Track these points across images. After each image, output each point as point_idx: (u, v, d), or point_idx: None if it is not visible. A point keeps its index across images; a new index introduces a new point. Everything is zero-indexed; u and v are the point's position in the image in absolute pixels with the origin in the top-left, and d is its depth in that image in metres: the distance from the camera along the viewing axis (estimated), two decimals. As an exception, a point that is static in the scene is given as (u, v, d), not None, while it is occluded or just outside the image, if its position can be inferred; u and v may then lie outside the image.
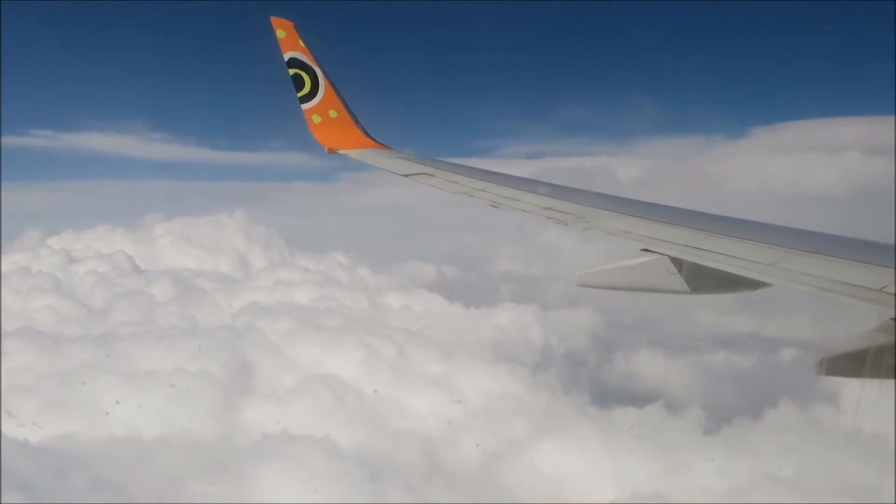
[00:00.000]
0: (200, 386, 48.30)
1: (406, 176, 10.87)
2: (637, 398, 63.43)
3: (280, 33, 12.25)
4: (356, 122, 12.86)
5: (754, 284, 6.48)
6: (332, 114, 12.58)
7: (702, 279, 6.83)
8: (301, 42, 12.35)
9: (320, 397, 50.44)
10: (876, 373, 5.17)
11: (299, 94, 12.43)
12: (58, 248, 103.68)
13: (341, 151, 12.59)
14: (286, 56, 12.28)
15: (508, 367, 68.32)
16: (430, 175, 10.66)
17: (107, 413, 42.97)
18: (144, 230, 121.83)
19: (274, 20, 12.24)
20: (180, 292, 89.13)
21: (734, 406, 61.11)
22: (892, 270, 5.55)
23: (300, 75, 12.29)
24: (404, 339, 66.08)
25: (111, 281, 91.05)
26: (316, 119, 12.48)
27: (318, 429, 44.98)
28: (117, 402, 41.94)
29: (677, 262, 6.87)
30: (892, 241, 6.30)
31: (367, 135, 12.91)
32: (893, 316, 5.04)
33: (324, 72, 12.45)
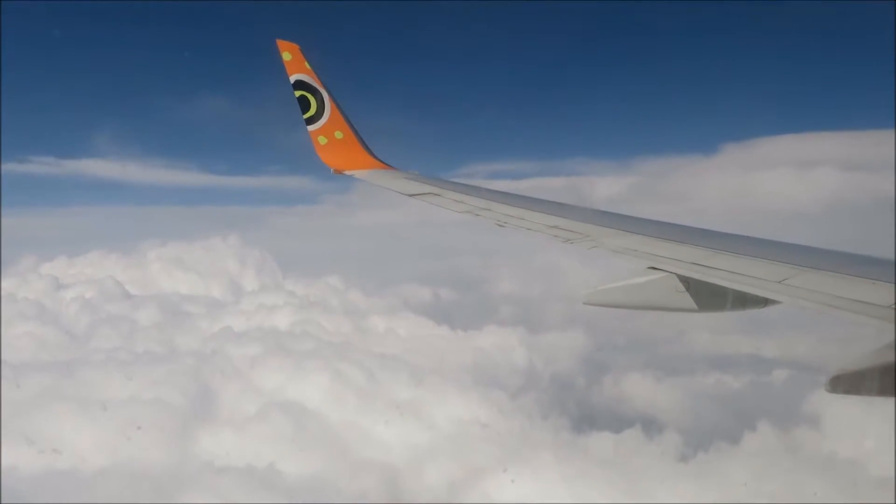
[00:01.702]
0: (155, 414, 47.34)
1: (412, 196, 10.87)
2: (619, 422, 61.73)
3: (286, 56, 12.37)
4: (362, 142, 12.98)
5: (763, 302, 6.48)
6: (338, 135, 12.70)
7: (710, 297, 6.81)
8: (307, 64, 12.47)
9: (279, 425, 49.31)
10: (888, 391, 4.99)
11: (305, 116, 12.52)
12: (46, 275, 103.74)
13: (347, 172, 12.66)
14: (292, 78, 12.40)
15: (487, 391, 66.85)
16: (435, 195, 10.67)
17: (52, 446, 42.13)
18: (138, 255, 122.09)
19: (280, 43, 12.36)
20: (166, 317, 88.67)
21: (716, 430, 59.31)
22: None
23: (306, 97, 12.41)
24: (378, 364, 64.92)
25: (96, 307, 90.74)
26: (322, 140, 12.59)
27: (267, 457, 43.95)
28: (60, 432, 40.97)
29: (685, 280, 6.81)
30: (878, 254, 6.42)
31: (373, 155, 13.01)
32: None
33: (330, 93, 12.54)
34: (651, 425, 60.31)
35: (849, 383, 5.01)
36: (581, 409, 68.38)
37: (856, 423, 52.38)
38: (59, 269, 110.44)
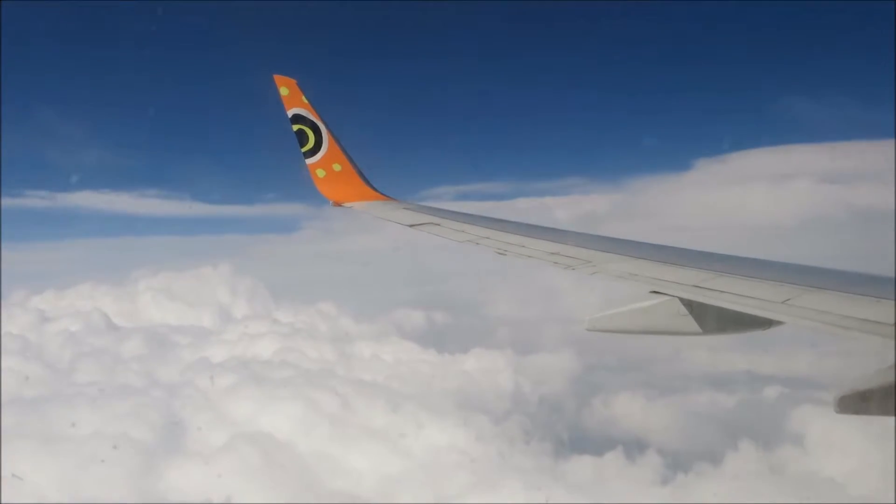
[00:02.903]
0: (119, 449, 46.37)
1: (412, 226, 10.97)
2: (605, 444, 60.50)
3: (283, 91, 12.47)
4: (360, 174, 13.03)
5: (766, 323, 6.51)
6: (337, 167, 12.80)
7: (713, 320, 6.80)
8: (304, 98, 12.57)
9: (246, 457, 48.32)
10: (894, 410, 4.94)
11: (303, 150, 12.61)
12: (32, 308, 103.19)
13: (346, 205, 12.72)
14: (289, 112, 12.51)
15: (469, 416, 65.81)
16: (435, 224, 10.79)
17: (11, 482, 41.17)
18: (128, 286, 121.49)
19: (277, 78, 12.50)
20: (151, 349, 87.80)
21: (699, 451, 58.13)
22: None
23: (304, 131, 12.52)
24: (356, 391, 64.02)
25: (80, 340, 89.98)
26: (320, 173, 12.68)
27: (227, 491, 42.95)
28: (13, 475, 40.06)
29: (687, 304, 6.81)
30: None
31: (372, 187, 13.07)
32: None
33: (327, 126, 12.65)
34: (635, 447, 59.10)
35: (857, 403, 4.98)
36: (569, 432, 67.02)
37: (839, 440, 51.23)
38: (47, 303, 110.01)
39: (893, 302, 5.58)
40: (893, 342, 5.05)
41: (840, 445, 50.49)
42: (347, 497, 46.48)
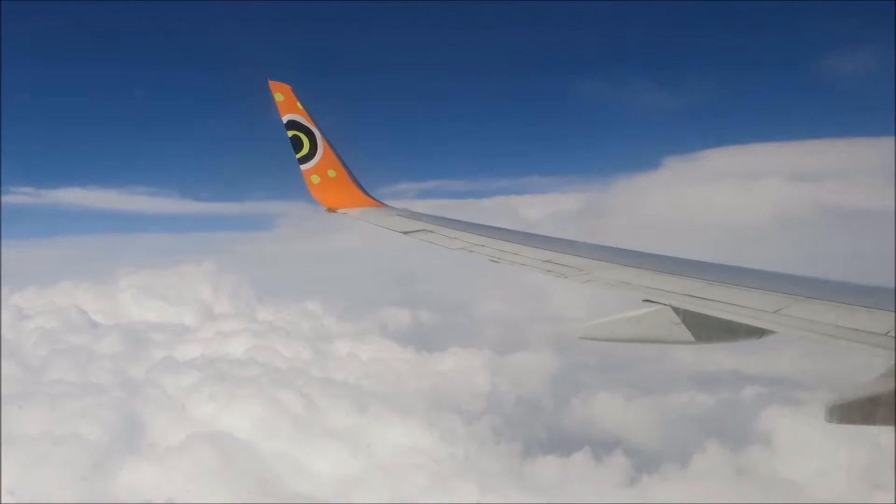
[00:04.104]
0: (71, 449, 45.71)
1: (406, 233, 11.09)
2: (575, 445, 59.70)
3: (278, 97, 12.47)
4: (355, 181, 13.11)
5: (759, 332, 6.54)
6: (331, 173, 12.82)
7: (706, 329, 6.81)
8: (299, 104, 12.57)
9: (202, 457, 47.52)
10: (887, 420, 4.94)
11: (298, 156, 12.65)
12: (11, 306, 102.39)
13: (341, 210, 12.78)
14: (284, 119, 12.52)
15: (440, 417, 65.07)
16: (429, 231, 10.90)
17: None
18: (110, 284, 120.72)
19: (272, 84, 12.46)
20: (127, 347, 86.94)
21: (670, 451, 57.31)
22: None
23: (299, 137, 12.52)
24: (324, 391, 63.21)
25: (56, 337, 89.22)
26: (315, 179, 12.73)
27: (184, 491, 42.22)
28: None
29: (680, 312, 6.84)
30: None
31: (366, 193, 13.14)
32: None
33: (322, 133, 12.68)
34: (602, 448, 58.28)
35: (847, 413, 5.00)
36: (542, 433, 66.16)
37: (807, 443, 50.52)
38: (27, 300, 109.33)
39: (885, 312, 5.63)
40: (883, 352, 5.11)
41: (807, 448, 49.80)
42: (304, 498, 45.71)
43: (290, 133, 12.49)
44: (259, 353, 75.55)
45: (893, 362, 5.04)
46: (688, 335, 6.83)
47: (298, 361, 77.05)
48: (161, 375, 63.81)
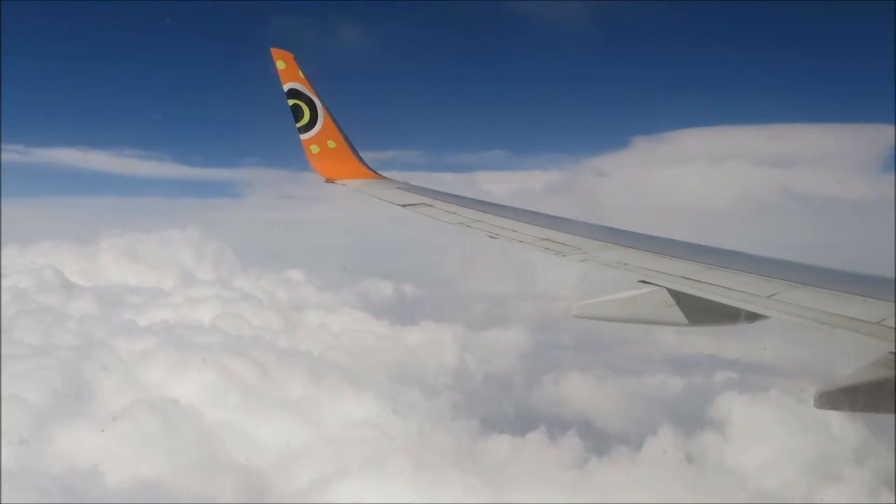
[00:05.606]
0: (9, 412, 45.11)
1: (404, 206, 11.03)
2: (533, 425, 59.08)
3: (280, 64, 12.29)
4: (355, 152, 13.03)
5: (752, 317, 6.56)
6: (331, 144, 12.71)
7: (700, 311, 6.90)
8: (301, 73, 12.38)
9: (145, 423, 46.98)
10: (875, 407, 5.01)
11: (298, 125, 12.52)
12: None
13: (339, 182, 12.70)
14: (285, 87, 12.34)
15: (401, 390, 64.57)
16: (427, 205, 10.87)
17: None
18: (92, 245, 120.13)
19: (274, 52, 12.29)
20: (100, 309, 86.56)
21: (626, 434, 56.75)
22: (891, 304, 5.60)
23: (299, 106, 12.37)
24: (284, 361, 62.66)
25: (28, 297, 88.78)
26: (314, 149, 12.61)
27: (118, 459, 41.75)
28: None
29: (675, 294, 6.91)
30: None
31: (366, 165, 13.07)
32: (893, 349, 5.03)
33: (323, 103, 12.52)
34: (560, 428, 57.62)
35: (835, 399, 4.99)
36: (505, 412, 65.49)
37: (761, 431, 49.88)
38: (5, 259, 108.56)
39: (880, 301, 5.66)
40: (876, 341, 5.10)
41: (760, 437, 49.18)
42: (242, 469, 45.21)
43: (291, 102, 12.33)
44: (225, 321, 74.91)
45: (885, 351, 5.04)
46: (682, 317, 6.92)
47: (265, 331, 76.54)
48: (117, 339, 63.22)
